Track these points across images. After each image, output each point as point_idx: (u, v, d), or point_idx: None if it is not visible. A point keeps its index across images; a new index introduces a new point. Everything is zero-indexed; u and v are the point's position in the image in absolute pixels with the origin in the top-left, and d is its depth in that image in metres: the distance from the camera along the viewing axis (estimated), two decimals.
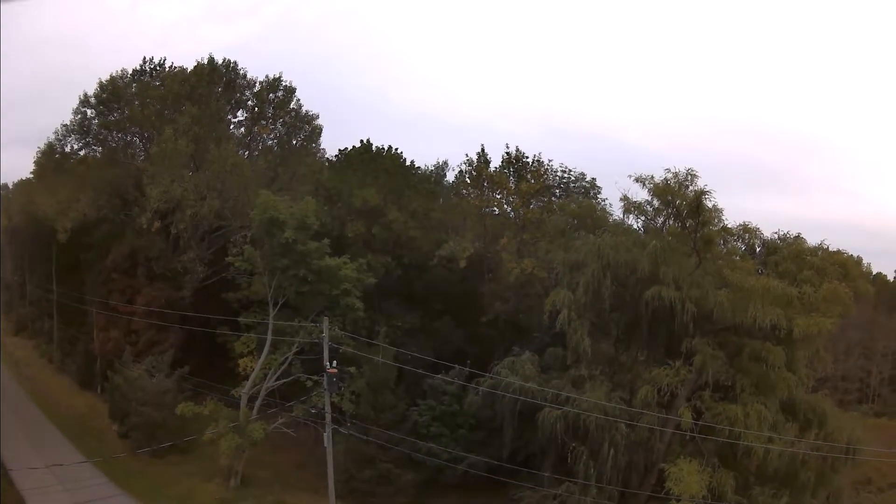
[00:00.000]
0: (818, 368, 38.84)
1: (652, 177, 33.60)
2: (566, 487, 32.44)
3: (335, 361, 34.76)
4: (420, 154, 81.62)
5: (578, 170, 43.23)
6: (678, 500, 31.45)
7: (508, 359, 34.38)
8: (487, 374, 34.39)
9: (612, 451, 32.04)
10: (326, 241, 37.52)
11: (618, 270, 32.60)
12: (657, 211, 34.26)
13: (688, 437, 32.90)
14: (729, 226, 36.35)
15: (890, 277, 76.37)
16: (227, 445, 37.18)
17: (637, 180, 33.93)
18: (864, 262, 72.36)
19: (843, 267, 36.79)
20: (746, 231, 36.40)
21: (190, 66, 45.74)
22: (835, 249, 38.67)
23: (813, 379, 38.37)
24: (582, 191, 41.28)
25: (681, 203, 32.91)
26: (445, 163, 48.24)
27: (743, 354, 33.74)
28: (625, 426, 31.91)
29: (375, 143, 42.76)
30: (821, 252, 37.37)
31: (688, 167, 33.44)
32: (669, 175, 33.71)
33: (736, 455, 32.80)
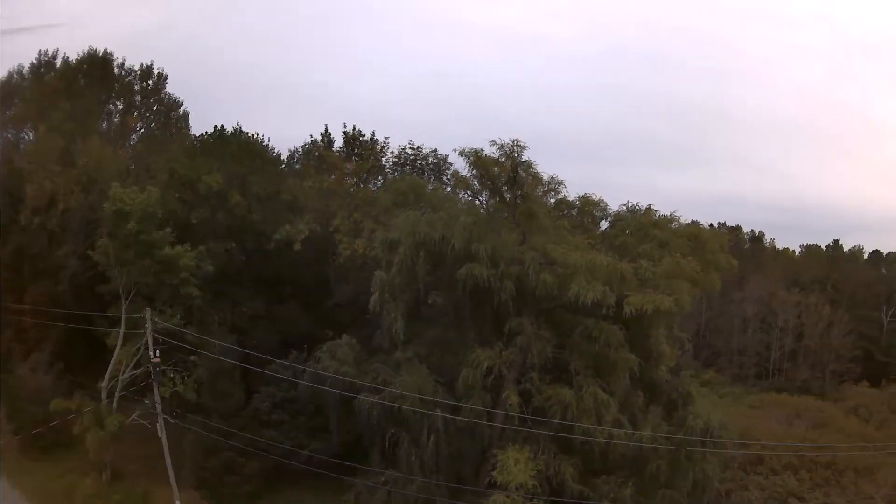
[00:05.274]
0: (678, 348, 33.63)
1: (475, 150, 28.78)
2: (388, 475, 28.01)
3: (157, 351, 31.39)
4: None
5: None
6: (504, 491, 26.97)
7: (329, 343, 29.93)
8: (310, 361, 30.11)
9: (431, 438, 27.36)
10: (168, 230, 33.70)
11: (433, 248, 27.68)
12: (482, 185, 29.48)
13: (517, 423, 28.23)
14: (569, 198, 31.76)
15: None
16: (92, 439, 33.69)
17: (461, 154, 29.02)
18: (767, 237, 67.37)
19: (695, 240, 31.58)
20: (588, 203, 31.42)
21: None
22: (689, 221, 33.72)
23: (673, 358, 33.35)
24: (430, 167, 36.74)
25: (499, 175, 28.11)
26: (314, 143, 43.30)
27: (576, 334, 28.90)
28: (441, 411, 27.39)
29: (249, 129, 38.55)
30: (674, 224, 32.30)
31: (514, 138, 28.64)
32: (495, 148, 29.07)
33: (574, 441, 28.17)
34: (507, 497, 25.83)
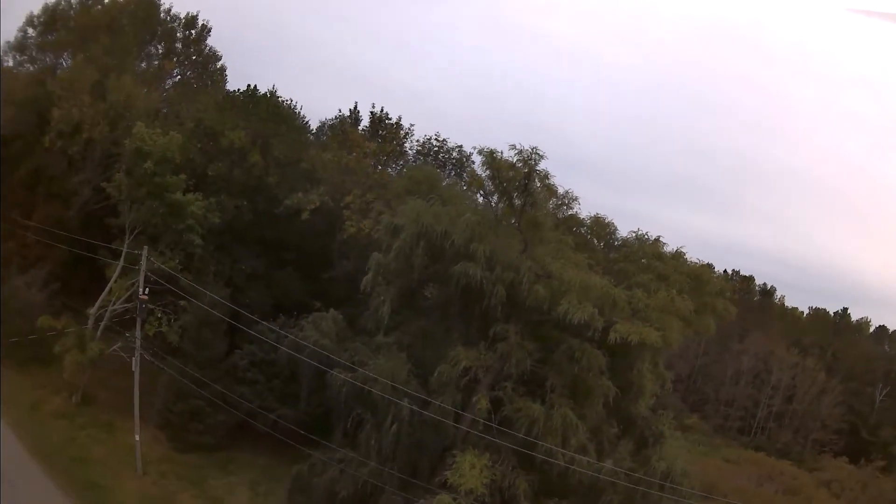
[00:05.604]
0: (659, 385, 32.89)
1: (491, 150, 28.36)
2: (342, 455, 27.81)
3: (147, 289, 31.64)
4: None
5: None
6: (452, 494, 26.48)
7: (316, 314, 29.84)
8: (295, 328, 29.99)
9: (395, 426, 27.14)
10: (183, 176, 33.93)
11: (434, 240, 27.42)
12: (495, 187, 29.10)
13: (482, 428, 27.84)
14: (580, 216, 31.41)
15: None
16: (70, 361, 33.93)
17: (479, 152, 28.82)
18: (777, 293, 66.48)
19: (696, 279, 31.02)
20: (598, 224, 31.01)
21: None
22: (702, 262, 32.95)
23: (652, 395, 32.72)
24: (453, 162, 36.60)
25: (512, 178, 27.70)
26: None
27: (559, 351, 28.46)
28: (410, 402, 27.17)
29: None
30: (679, 260, 31.67)
31: (533, 146, 28.25)
32: (514, 152, 28.66)
33: (535, 458, 27.52)
34: (454, 500, 25.41)
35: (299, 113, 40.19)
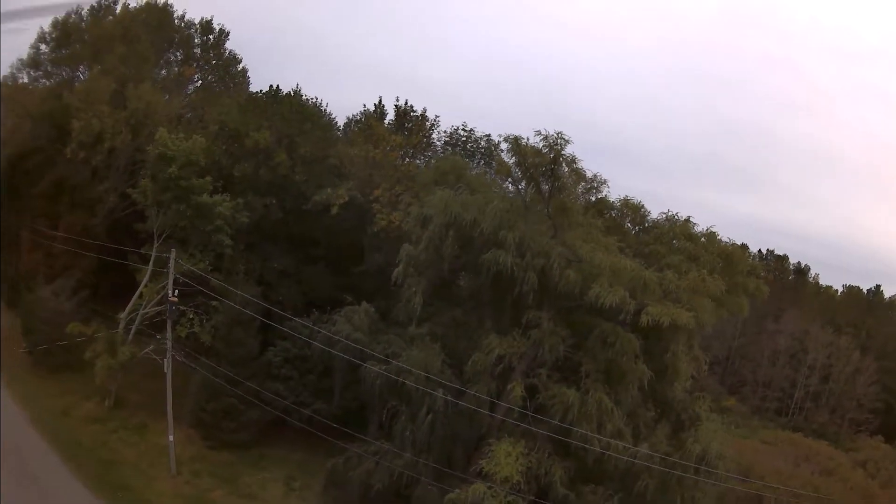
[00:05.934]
0: (695, 368, 32.53)
1: (516, 137, 28.28)
2: (378, 447, 27.85)
3: (176, 290, 31.89)
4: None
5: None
6: (488, 482, 26.34)
7: (348, 307, 29.91)
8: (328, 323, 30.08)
9: (429, 417, 27.16)
10: (208, 178, 34.22)
11: (463, 229, 27.39)
12: (522, 173, 28.99)
13: (516, 416, 27.66)
14: (610, 199, 31.26)
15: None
16: (101, 366, 34.21)
17: (504, 140, 28.81)
18: (811, 272, 65.69)
19: (726, 259, 30.72)
20: (627, 206, 30.81)
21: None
22: (731, 241, 32.55)
23: (687, 377, 32.33)
24: (482, 151, 36.60)
25: (538, 164, 27.55)
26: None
27: (592, 336, 28.28)
28: (443, 392, 27.12)
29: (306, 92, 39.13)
30: (710, 240, 31.35)
31: (558, 131, 28.08)
32: (539, 138, 28.49)
33: (571, 444, 27.01)
34: (489, 488, 25.35)
35: (325, 110, 40.54)
